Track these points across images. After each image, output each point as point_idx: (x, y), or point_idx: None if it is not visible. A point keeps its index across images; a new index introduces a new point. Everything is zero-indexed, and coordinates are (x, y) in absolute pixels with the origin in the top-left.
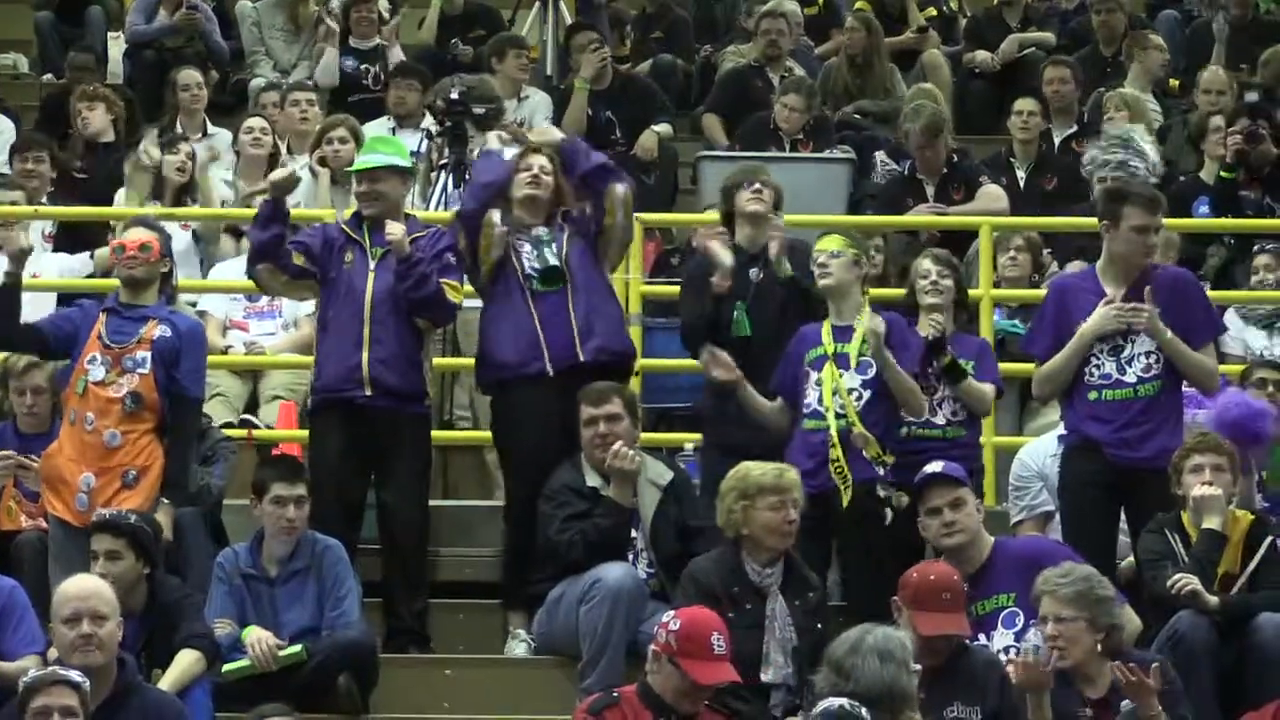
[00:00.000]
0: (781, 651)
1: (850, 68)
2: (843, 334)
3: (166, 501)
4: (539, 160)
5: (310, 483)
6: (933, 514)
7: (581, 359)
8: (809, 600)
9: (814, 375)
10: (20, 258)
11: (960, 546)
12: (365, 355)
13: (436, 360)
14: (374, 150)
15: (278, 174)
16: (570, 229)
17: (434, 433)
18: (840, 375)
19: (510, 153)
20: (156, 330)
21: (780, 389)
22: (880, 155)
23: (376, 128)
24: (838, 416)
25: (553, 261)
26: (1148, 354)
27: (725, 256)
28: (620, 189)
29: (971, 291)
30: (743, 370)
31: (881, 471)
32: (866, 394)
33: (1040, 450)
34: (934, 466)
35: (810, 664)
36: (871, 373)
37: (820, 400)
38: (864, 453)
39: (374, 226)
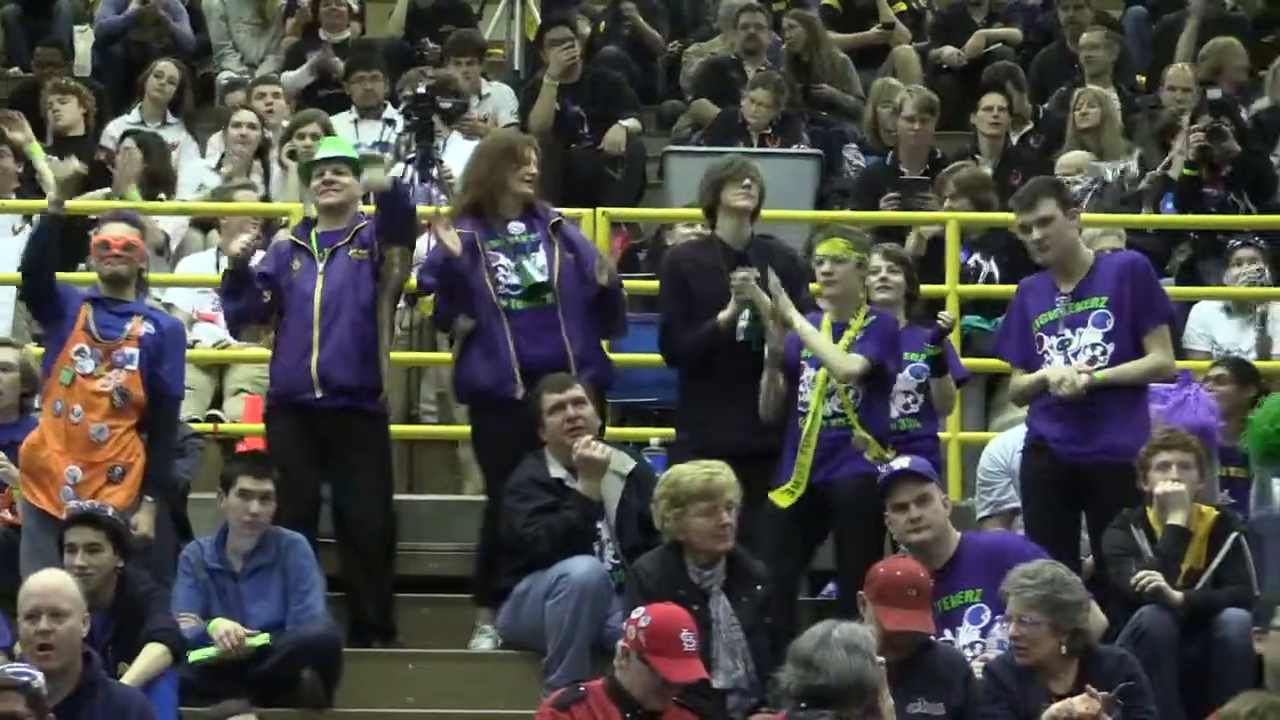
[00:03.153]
0: (729, 654)
1: (794, 66)
2: (839, 330)
3: (150, 499)
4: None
5: (277, 480)
6: (899, 510)
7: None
8: (756, 595)
9: (810, 372)
10: (70, 181)
11: (926, 543)
12: (315, 357)
13: (405, 355)
14: (324, 148)
15: (235, 244)
16: (560, 241)
17: (401, 428)
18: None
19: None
20: (142, 327)
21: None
22: (850, 150)
23: (337, 121)
24: (828, 420)
25: (536, 278)
26: (1093, 346)
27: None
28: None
29: (937, 287)
30: (737, 374)
31: (883, 470)
32: (862, 390)
33: (1007, 446)
34: (900, 462)
35: (770, 660)
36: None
37: (811, 399)
38: (865, 455)
39: (323, 229)
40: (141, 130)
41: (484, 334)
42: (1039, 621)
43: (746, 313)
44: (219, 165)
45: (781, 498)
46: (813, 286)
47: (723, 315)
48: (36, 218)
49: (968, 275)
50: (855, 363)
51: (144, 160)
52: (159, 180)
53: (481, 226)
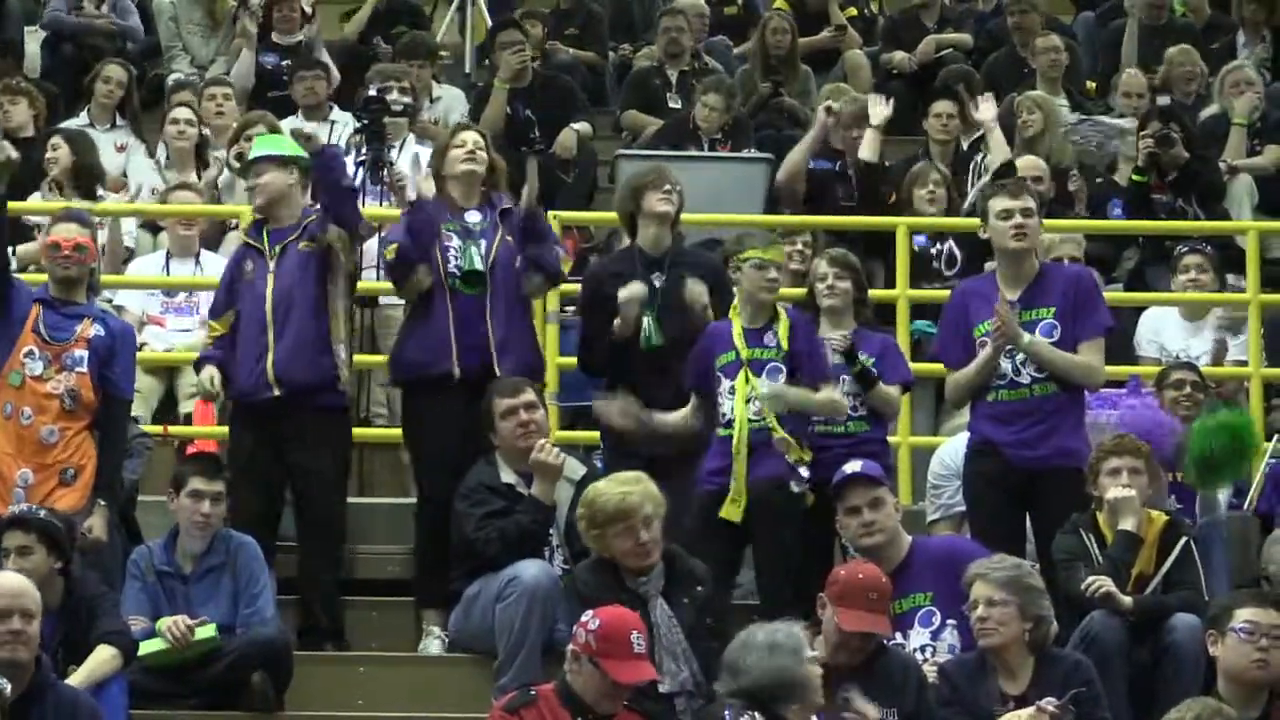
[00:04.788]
0: (672, 658)
1: (766, 69)
2: (755, 337)
3: (103, 503)
4: (471, 136)
5: (229, 482)
6: (851, 513)
7: (497, 372)
8: (697, 595)
9: (726, 382)
10: (6, 169)
11: (879, 546)
12: (270, 357)
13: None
14: (255, 147)
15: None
16: (505, 227)
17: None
18: (754, 379)
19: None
20: (92, 329)
21: (696, 386)
22: None
23: (287, 124)
24: (750, 421)
25: (478, 265)
26: None
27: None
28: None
29: (887, 292)
30: (655, 379)
31: (803, 472)
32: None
33: (957, 450)
34: (853, 466)
35: (716, 661)
36: (782, 378)
37: (734, 409)
38: (786, 456)
39: (272, 229)
40: (68, 128)
41: (427, 311)
42: (1007, 601)
43: (647, 320)
44: (164, 164)
45: (731, 512)
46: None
47: (615, 325)
48: None
49: (928, 258)
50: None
51: (72, 155)
52: (87, 175)
53: (441, 209)
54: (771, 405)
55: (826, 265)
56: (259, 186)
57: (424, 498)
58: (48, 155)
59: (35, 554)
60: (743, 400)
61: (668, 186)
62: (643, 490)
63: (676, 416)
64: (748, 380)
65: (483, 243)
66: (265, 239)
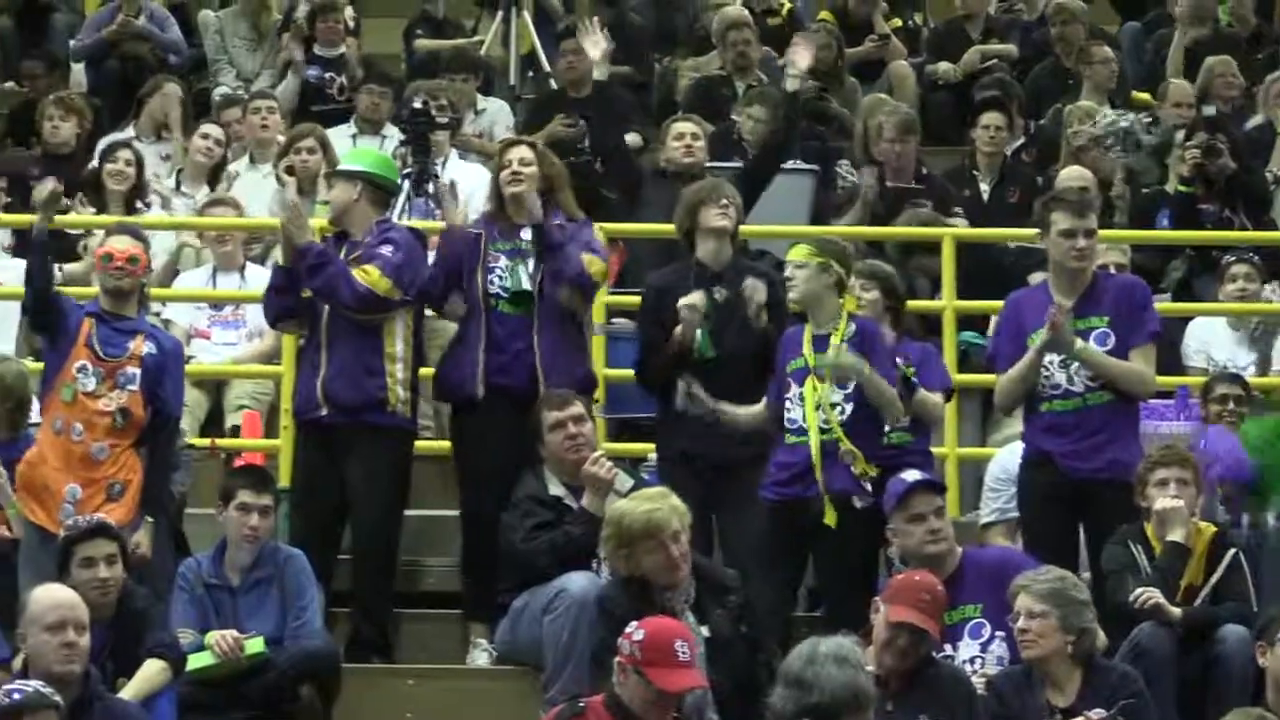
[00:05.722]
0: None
1: (812, 75)
2: (822, 343)
3: (150, 519)
4: (518, 153)
5: (277, 495)
6: (916, 521)
7: (543, 390)
8: (729, 605)
9: (795, 388)
10: (52, 202)
11: (943, 554)
12: (322, 374)
13: None
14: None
15: (304, 236)
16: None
17: None
18: (822, 388)
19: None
20: (144, 346)
21: (771, 399)
22: (843, 166)
23: (335, 135)
24: (821, 432)
25: (525, 285)
26: None
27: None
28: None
29: (934, 303)
30: (710, 392)
31: (867, 486)
32: (849, 407)
33: (1016, 455)
34: (913, 474)
35: (749, 670)
36: (853, 385)
37: (804, 416)
38: (852, 468)
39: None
40: (124, 140)
41: (464, 333)
42: (1048, 613)
43: (700, 332)
44: (178, 183)
45: (829, 518)
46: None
47: (675, 334)
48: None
49: None
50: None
51: (136, 170)
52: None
53: (494, 230)
54: (834, 371)
55: (855, 277)
56: (329, 200)
57: (468, 511)
58: (113, 168)
59: (118, 564)
60: (812, 407)
61: (724, 201)
62: (669, 505)
63: (750, 412)
64: (815, 388)
65: (530, 261)
66: (342, 254)
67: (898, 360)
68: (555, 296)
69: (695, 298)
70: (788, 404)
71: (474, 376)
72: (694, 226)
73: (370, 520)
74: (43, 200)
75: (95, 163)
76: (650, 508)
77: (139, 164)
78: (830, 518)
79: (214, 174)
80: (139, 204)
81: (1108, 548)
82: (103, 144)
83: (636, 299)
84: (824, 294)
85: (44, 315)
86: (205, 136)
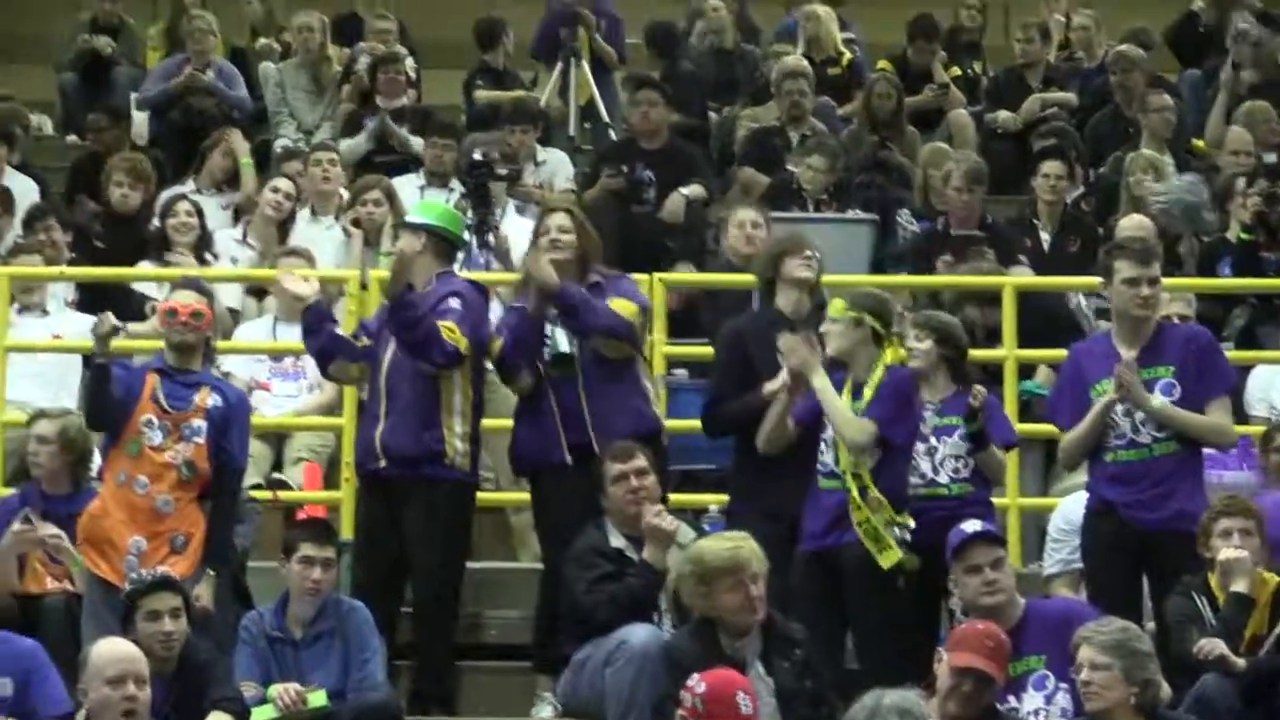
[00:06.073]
0: None
1: (872, 131)
2: (859, 392)
3: (212, 572)
4: (556, 220)
5: (339, 547)
6: (972, 572)
7: (595, 448)
8: (795, 658)
9: (831, 432)
10: (109, 336)
11: (1000, 606)
12: (381, 426)
13: None
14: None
15: (296, 285)
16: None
17: None
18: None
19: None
20: (210, 399)
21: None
22: (903, 215)
23: (403, 184)
24: (855, 477)
25: (563, 348)
26: None
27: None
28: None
29: (995, 353)
30: (791, 445)
31: (903, 534)
32: (877, 454)
33: (1079, 506)
34: (972, 525)
35: None
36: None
37: (836, 460)
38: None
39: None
40: (184, 193)
41: (535, 401)
42: (1110, 664)
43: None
44: (244, 236)
45: (889, 558)
46: None
47: (769, 386)
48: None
49: None
50: (862, 433)
51: (200, 223)
52: (202, 242)
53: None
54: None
55: (910, 327)
56: (391, 251)
57: (550, 568)
58: (175, 221)
59: (183, 617)
60: (846, 452)
61: (808, 253)
62: (750, 547)
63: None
64: None
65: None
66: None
67: (977, 411)
68: (596, 352)
69: (797, 337)
70: (822, 447)
71: (557, 444)
72: (775, 276)
73: (430, 573)
74: (103, 334)
75: (157, 220)
76: (733, 545)
77: (200, 215)
78: (889, 559)
79: (282, 227)
80: (207, 255)
81: (1171, 598)
82: (162, 199)
83: (696, 349)
84: (857, 348)
85: (98, 423)
86: (275, 190)
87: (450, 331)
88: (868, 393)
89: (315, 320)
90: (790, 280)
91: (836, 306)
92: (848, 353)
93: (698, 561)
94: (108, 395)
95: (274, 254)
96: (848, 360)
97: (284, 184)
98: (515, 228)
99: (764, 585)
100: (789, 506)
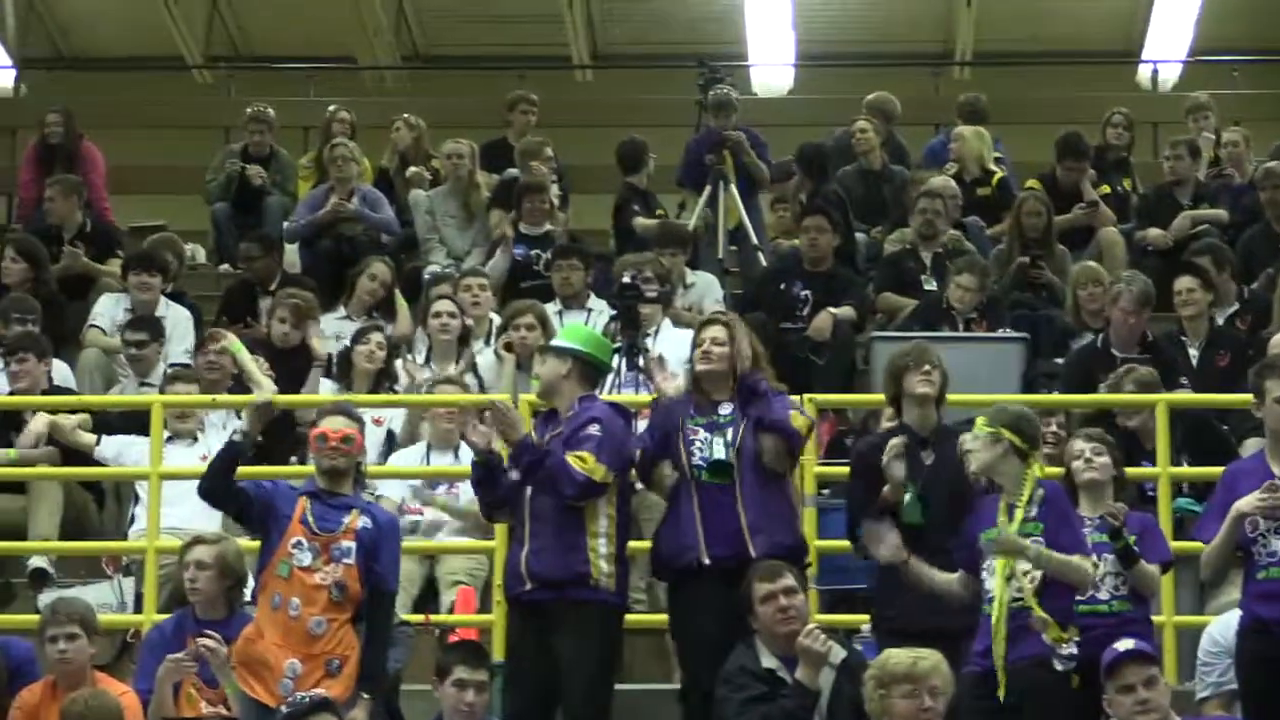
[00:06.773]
0: None
1: (1023, 249)
2: (1012, 512)
3: (366, 696)
4: (711, 333)
5: (492, 670)
6: (1125, 691)
7: (752, 555)
8: None
9: (989, 559)
10: (263, 414)
11: None
12: (526, 549)
13: None
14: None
15: (474, 434)
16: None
17: None
18: (1013, 559)
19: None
20: (359, 521)
21: (961, 564)
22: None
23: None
24: (1012, 601)
25: (720, 455)
26: None
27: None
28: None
29: (1149, 470)
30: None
31: (1064, 650)
32: (1039, 574)
33: (1229, 626)
34: (1126, 644)
35: None
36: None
37: (995, 587)
38: (1044, 636)
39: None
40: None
41: (676, 504)
42: None
43: (908, 496)
44: (427, 358)
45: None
46: None
47: (883, 494)
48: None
49: None
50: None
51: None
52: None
53: (693, 405)
54: (997, 548)
55: (1083, 442)
56: (537, 376)
57: (688, 686)
58: (364, 349)
59: None
60: (1003, 578)
61: (927, 367)
62: (935, 661)
63: (944, 577)
64: (1005, 560)
65: (729, 431)
66: (533, 430)
67: (1124, 532)
68: (757, 460)
69: (895, 441)
70: (984, 574)
71: (694, 546)
72: (899, 392)
73: (580, 695)
74: (255, 408)
75: (348, 342)
76: (918, 655)
77: (390, 349)
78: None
79: (461, 345)
80: (386, 385)
81: None
82: (354, 328)
83: (845, 470)
84: (997, 464)
85: (207, 493)
86: (437, 315)
87: (581, 461)
88: (1019, 513)
89: (486, 474)
90: (911, 396)
91: (977, 424)
92: (988, 468)
93: (881, 666)
94: (229, 472)
95: (425, 381)
96: (992, 477)
97: (444, 305)
98: (674, 341)
99: (944, 704)
100: (915, 619)
